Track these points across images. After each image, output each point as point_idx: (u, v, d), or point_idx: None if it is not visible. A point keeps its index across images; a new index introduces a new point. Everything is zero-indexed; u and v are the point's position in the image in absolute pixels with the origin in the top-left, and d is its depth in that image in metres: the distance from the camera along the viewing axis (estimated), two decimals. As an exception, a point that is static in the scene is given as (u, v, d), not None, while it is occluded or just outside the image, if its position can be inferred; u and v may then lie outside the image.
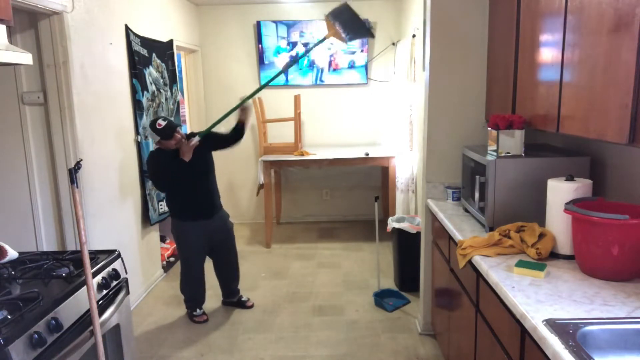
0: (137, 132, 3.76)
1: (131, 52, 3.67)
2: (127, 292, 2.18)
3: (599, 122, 1.52)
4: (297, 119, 4.99)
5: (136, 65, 3.72)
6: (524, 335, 1.46)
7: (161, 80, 4.22)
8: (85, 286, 1.82)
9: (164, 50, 4.31)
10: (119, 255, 2.19)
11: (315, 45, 3.13)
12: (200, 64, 5.46)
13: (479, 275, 1.92)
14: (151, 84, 4.01)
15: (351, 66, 5.41)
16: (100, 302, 1.96)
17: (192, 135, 3.21)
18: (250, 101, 3.22)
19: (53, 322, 1.63)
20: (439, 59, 2.79)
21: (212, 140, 3.28)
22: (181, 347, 3.08)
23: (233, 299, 3.62)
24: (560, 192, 1.81)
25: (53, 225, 3.01)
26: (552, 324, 1.32)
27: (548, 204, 1.89)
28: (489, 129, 2.28)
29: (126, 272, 2.22)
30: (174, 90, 4.50)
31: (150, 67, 4.01)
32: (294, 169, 5.69)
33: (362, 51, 5.35)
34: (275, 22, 5.32)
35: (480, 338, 1.93)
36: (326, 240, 5.13)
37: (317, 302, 3.66)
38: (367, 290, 3.81)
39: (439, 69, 2.80)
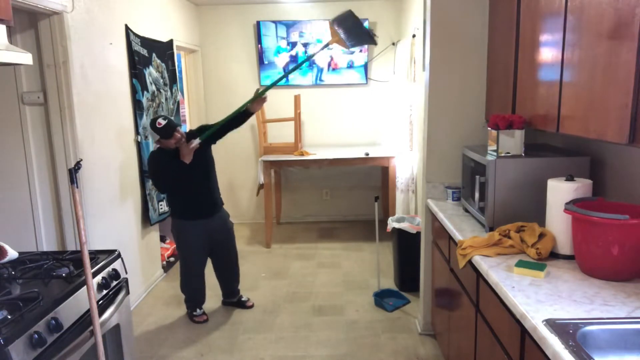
0: (137, 132, 3.76)
1: (131, 52, 3.67)
2: (127, 292, 2.18)
3: (599, 122, 1.52)
4: (297, 119, 4.99)
5: (136, 65, 3.72)
6: (524, 335, 1.46)
7: (161, 80, 4.22)
8: (85, 286, 1.82)
9: (164, 50, 4.31)
10: (119, 255, 2.20)
11: (320, 50, 3.18)
12: (200, 64, 5.46)
13: (479, 275, 1.92)
14: (151, 84, 4.01)
15: (350, 66, 5.41)
16: (100, 302, 1.96)
17: (192, 134, 3.20)
18: (266, 93, 3.21)
19: (53, 322, 1.63)
20: (439, 59, 2.79)
21: (212, 137, 3.25)
22: (181, 347, 3.08)
23: (233, 299, 3.62)
24: (560, 192, 1.81)
25: (53, 225, 3.01)
26: (552, 324, 1.32)
27: (548, 204, 1.89)
28: (489, 129, 2.28)
29: (126, 272, 2.22)
30: (174, 90, 4.50)
31: (150, 67, 4.02)
32: (294, 169, 5.69)
33: (361, 51, 5.35)
34: (274, 22, 5.32)
35: (480, 338, 1.93)
36: (326, 240, 5.13)
37: (317, 302, 3.66)
38: (367, 290, 3.82)
39: (439, 69, 2.80)
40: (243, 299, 3.62)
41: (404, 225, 3.58)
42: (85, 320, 1.82)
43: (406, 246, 3.64)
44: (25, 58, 1.88)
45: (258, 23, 5.33)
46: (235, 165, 5.68)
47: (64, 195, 2.98)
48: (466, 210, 2.58)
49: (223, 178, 5.30)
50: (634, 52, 1.33)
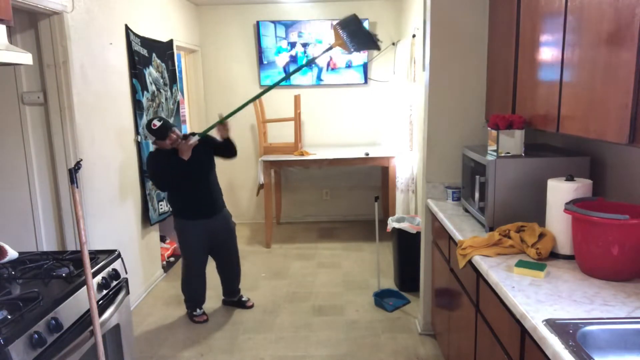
0: (137, 132, 3.76)
1: (131, 52, 3.67)
2: (127, 292, 2.18)
3: (599, 122, 1.52)
4: (297, 119, 4.99)
5: (136, 65, 3.72)
6: (524, 335, 1.46)
7: (161, 80, 4.22)
8: (85, 286, 1.82)
9: (164, 50, 4.31)
10: (119, 255, 2.20)
11: (322, 54, 3.20)
12: (200, 64, 5.46)
13: (479, 275, 1.92)
14: (151, 84, 4.01)
15: (349, 66, 5.41)
16: (100, 302, 1.96)
17: (191, 134, 3.22)
18: (227, 120, 3.21)
19: (53, 322, 1.63)
20: (439, 59, 2.79)
21: (212, 143, 3.31)
22: (181, 347, 3.08)
23: (233, 299, 3.62)
24: (560, 192, 1.81)
25: (53, 225, 3.01)
26: (552, 324, 1.32)
27: (548, 204, 1.89)
28: (489, 129, 2.28)
29: (126, 272, 2.22)
30: (174, 90, 4.50)
31: (150, 67, 4.01)
32: (294, 169, 5.69)
33: (360, 52, 5.36)
34: (273, 22, 5.32)
35: (480, 338, 1.93)
36: (326, 240, 5.13)
37: (317, 302, 3.66)
38: (367, 290, 3.82)
39: (439, 69, 2.80)
40: (243, 299, 3.63)
41: (404, 225, 3.58)
42: (85, 320, 1.82)
43: (406, 246, 3.64)
44: (25, 58, 1.88)
45: (258, 23, 5.33)
46: (235, 165, 5.67)
47: (64, 195, 2.98)
48: (466, 210, 2.58)
49: (223, 178, 5.27)
50: (634, 52, 1.33)
